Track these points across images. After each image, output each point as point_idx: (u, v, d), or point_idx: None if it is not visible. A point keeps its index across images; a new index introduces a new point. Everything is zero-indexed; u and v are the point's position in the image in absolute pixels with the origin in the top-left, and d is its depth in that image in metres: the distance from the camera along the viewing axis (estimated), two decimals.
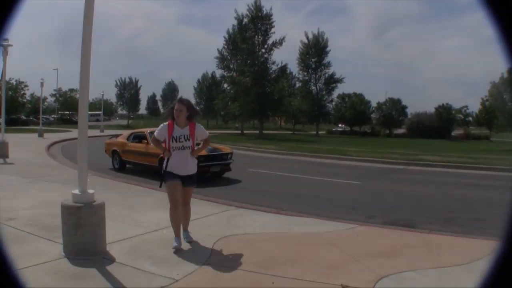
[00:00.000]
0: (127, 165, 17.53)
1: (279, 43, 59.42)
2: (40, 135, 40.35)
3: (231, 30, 65.82)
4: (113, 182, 13.56)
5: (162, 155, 6.87)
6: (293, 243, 6.91)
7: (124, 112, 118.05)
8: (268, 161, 22.89)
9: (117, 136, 21.42)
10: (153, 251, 6.15)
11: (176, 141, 6.44)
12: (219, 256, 6.08)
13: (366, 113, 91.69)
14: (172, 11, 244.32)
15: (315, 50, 77.78)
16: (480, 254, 6.25)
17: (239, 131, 68.96)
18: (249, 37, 59.04)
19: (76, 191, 5.89)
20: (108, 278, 5.10)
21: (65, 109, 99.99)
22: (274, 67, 60.88)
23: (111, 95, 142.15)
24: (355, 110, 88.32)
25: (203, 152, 10.15)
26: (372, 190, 14.44)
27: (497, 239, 6.92)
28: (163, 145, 6.61)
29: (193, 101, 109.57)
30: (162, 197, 9.82)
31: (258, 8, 59.58)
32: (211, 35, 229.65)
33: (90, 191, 5.99)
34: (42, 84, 46.28)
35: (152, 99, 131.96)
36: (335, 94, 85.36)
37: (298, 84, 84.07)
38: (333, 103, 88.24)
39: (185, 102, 6.54)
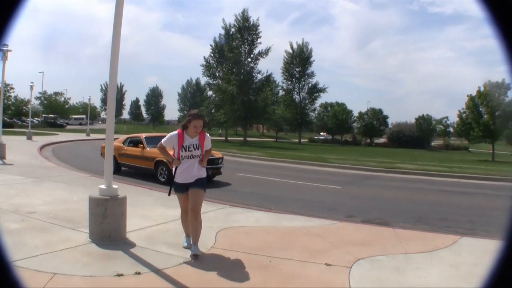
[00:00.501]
0: (123, 168, 18.35)
1: (265, 53, 60.89)
2: (29, 138, 40.60)
3: (217, 39, 67.18)
4: (114, 182, 14.41)
5: (168, 162, 6.95)
6: (283, 233, 8.02)
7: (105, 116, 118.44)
8: (254, 167, 23.88)
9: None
10: (166, 239, 7.17)
11: (185, 150, 6.49)
12: (222, 243, 7.13)
13: (348, 122, 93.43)
14: (156, 17, 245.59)
15: (299, 60, 79.43)
16: (442, 245, 7.46)
17: (223, 138, 70.20)
18: (236, 46, 60.24)
19: (103, 186, 6.95)
20: (134, 257, 6.15)
21: (49, 112, 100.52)
22: (259, 76, 62.22)
23: (95, 99, 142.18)
24: (337, 119, 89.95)
25: None
26: (351, 194, 15.58)
27: (459, 234, 8.14)
28: (171, 153, 6.75)
29: (176, 106, 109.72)
30: (161, 196, 10.88)
31: (245, 18, 61.06)
32: (193, 41, 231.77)
33: (115, 186, 7.07)
34: (31, 87, 46.97)
35: (135, 104, 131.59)
36: (318, 103, 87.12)
37: (281, 93, 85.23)
38: (316, 112, 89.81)
39: (202, 118, 6.61)
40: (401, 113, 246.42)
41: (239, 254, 6.56)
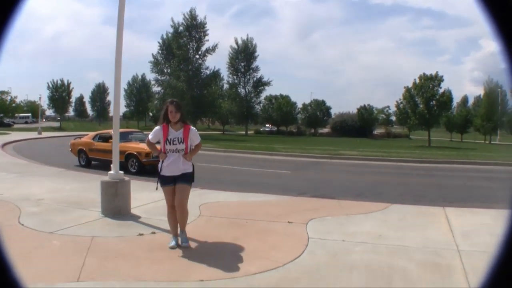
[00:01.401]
0: (93, 162, 19.89)
1: (212, 49, 63.13)
2: None
3: (165, 36, 68.74)
4: (91, 175, 15.76)
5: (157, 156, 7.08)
6: (250, 205, 10.08)
7: (52, 114, 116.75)
8: (210, 157, 25.44)
9: (78, 137, 23.66)
10: (161, 212, 8.77)
11: (170, 144, 6.60)
12: (206, 212, 9.07)
13: (292, 113, 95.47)
14: (95, 11, 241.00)
15: (244, 55, 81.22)
16: (376, 209, 9.66)
17: None
18: (184, 44, 61.98)
19: (112, 172, 8.82)
20: (144, 224, 8.04)
21: None
22: (207, 72, 64.18)
23: (37, 96, 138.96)
24: (282, 111, 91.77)
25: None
26: (301, 177, 17.84)
27: (390, 203, 10.32)
28: (158, 147, 6.90)
29: (123, 102, 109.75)
30: (140, 184, 12.51)
31: (193, 17, 63.18)
32: (134, 36, 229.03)
33: (120, 172, 8.94)
34: (8, 92, 47.64)
35: (79, 101, 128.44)
36: (263, 96, 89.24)
37: (226, 86, 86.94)
38: (261, 104, 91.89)
39: (174, 103, 6.69)
40: (343, 104, 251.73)
41: (221, 219, 8.58)
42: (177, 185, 6.65)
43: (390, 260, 6.04)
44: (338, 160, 25.66)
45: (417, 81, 52.59)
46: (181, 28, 64.83)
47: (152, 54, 70.48)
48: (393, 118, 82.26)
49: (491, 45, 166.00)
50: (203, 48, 64.53)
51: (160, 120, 6.78)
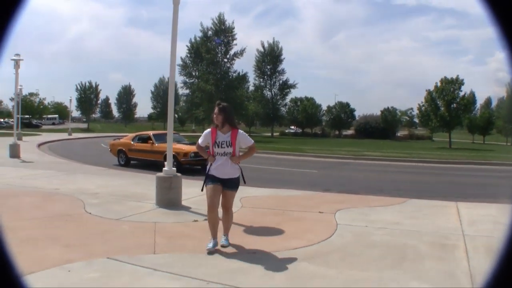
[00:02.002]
0: (132, 161, 21.28)
1: (240, 53, 64.46)
2: (19, 139, 40.79)
3: (193, 40, 70.71)
4: (131, 173, 17.26)
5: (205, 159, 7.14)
6: (284, 199, 11.30)
7: (78, 115, 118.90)
8: None
9: (117, 138, 25.19)
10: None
11: (218, 147, 6.63)
12: (247, 204, 10.29)
13: (317, 115, 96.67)
14: (118, 13, 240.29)
15: (270, 58, 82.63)
16: (395, 203, 10.82)
17: (200, 134, 73.47)
18: (212, 48, 63.60)
19: (166, 168, 10.14)
20: (196, 213, 9.27)
21: (24, 113, 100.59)
22: (235, 75, 65.64)
23: (63, 98, 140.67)
24: (307, 113, 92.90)
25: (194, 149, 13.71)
26: (327, 175, 19.13)
27: (408, 198, 11.46)
28: (208, 151, 6.87)
29: (149, 104, 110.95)
30: (184, 181, 13.70)
31: (221, 21, 64.69)
32: (157, 37, 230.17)
33: (173, 168, 10.26)
34: (21, 90, 48.75)
35: (105, 102, 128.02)
36: (289, 98, 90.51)
37: (251, 88, 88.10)
38: (286, 107, 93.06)
39: (221, 107, 6.74)
40: (367, 104, 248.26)
41: (261, 209, 9.85)
42: (224, 190, 6.69)
43: (404, 240, 7.23)
44: (361, 161, 26.96)
45: (439, 84, 53.59)
46: (210, 32, 66.59)
47: (181, 58, 72.77)
48: (416, 120, 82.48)
49: None
50: (231, 52, 66.26)
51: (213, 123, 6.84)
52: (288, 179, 16.91)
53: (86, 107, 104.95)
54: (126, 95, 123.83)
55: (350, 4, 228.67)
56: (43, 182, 13.89)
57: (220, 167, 6.62)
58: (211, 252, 6.42)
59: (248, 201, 10.73)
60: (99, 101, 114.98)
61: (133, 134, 22.87)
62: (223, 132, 6.68)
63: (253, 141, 7.04)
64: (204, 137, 6.82)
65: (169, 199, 9.94)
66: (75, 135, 56.93)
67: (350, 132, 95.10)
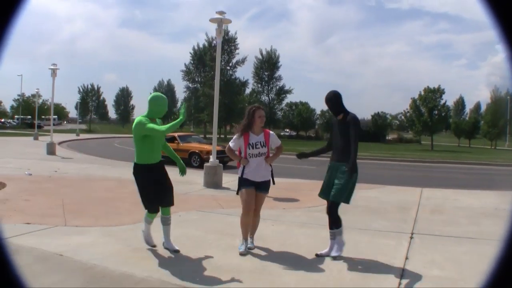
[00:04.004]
0: None
1: (242, 62, 68.22)
2: (36, 138, 43.56)
3: (196, 47, 74.71)
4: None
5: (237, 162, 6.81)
6: (293, 184, 14.91)
7: (75, 116, 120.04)
8: None
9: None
10: None
11: (253, 148, 6.48)
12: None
13: (311, 119, 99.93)
14: (113, 13, 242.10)
15: (268, 65, 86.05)
16: (376, 187, 14.36)
17: (202, 135, 77.17)
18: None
19: (212, 160, 13.74)
20: (234, 190, 12.52)
21: (27, 113, 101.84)
22: (237, 82, 69.37)
23: (60, 99, 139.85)
24: (302, 117, 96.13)
25: (219, 148, 16.03)
26: (324, 170, 22.51)
27: (383, 185, 15.03)
28: (237, 153, 6.70)
29: (139, 104, 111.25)
30: (200, 173, 15.32)
31: (225, 32, 68.14)
32: (152, 38, 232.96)
33: (216, 160, 13.79)
34: (37, 93, 53.43)
35: (102, 104, 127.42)
36: (284, 103, 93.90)
37: (247, 91, 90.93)
38: (282, 111, 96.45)
39: (263, 109, 6.79)
40: (359, 108, 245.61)
41: (281, 189, 13.23)
42: (257, 193, 6.63)
43: (378, 206, 10.89)
44: None
45: (422, 93, 58.30)
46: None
47: (185, 64, 77.78)
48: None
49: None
50: (234, 60, 70.03)
51: (240, 128, 6.67)
52: (292, 172, 20.23)
53: (87, 109, 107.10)
54: (124, 97, 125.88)
55: (343, 7, 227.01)
56: (101, 172, 17.10)
57: (256, 170, 6.53)
58: (243, 254, 6.41)
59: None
60: (100, 103, 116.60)
61: None
62: (256, 133, 6.58)
63: (280, 141, 7.03)
64: (235, 141, 6.63)
65: (213, 181, 13.48)
66: (81, 136, 58.30)
67: None
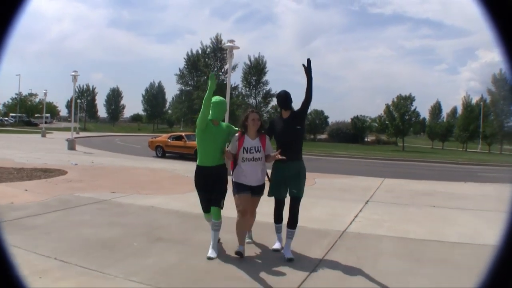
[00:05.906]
0: (167, 154, 27.33)
1: (233, 69, 71.72)
2: (43, 135, 45.30)
3: (189, 53, 79.21)
4: (175, 161, 23.49)
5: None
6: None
7: (65, 114, 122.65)
8: None
9: (153, 137, 31.99)
10: None
11: (247, 152, 6.16)
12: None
13: None
14: (101, 13, 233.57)
15: (255, 71, 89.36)
16: (347, 176, 18.13)
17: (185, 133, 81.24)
18: (210, 63, 71.46)
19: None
20: None
21: (24, 112, 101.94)
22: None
23: (51, 97, 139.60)
24: None
25: None
26: (307, 165, 26.25)
27: (360, 175, 18.80)
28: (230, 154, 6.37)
29: (141, 107, 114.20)
30: None
31: (218, 40, 72.93)
32: (138, 38, 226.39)
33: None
34: (45, 94, 54.61)
35: (92, 103, 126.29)
36: (270, 106, 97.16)
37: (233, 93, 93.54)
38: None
39: (258, 112, 6.38)
40: (341, 110, 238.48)
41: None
42: (253, 197, 6.30)
43: (349, 187, 14.56)
44: (331, 157, 35.21)
45: (395, 100, 63.63)
46: (208, 50, 75.05)
47: (179, 68, 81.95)
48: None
49: (488, 56, 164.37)
50: (226, 67, 73.31)
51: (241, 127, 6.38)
52: None
53: (80, 108, 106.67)
54: (114, 97, 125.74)
55: (328, 11, 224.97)
56: (130, 163, 20.00)
57: (250, 174, 6.22)
58: (239, 254, 6.09)
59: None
60: (96, 102, 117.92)
61: (168, 134, 29.80)
62: (252, 137, 6.26)
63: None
64: (232, 143, 6.37)
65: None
66: (81, 134, 58.78)
67: (324, 136, 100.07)
